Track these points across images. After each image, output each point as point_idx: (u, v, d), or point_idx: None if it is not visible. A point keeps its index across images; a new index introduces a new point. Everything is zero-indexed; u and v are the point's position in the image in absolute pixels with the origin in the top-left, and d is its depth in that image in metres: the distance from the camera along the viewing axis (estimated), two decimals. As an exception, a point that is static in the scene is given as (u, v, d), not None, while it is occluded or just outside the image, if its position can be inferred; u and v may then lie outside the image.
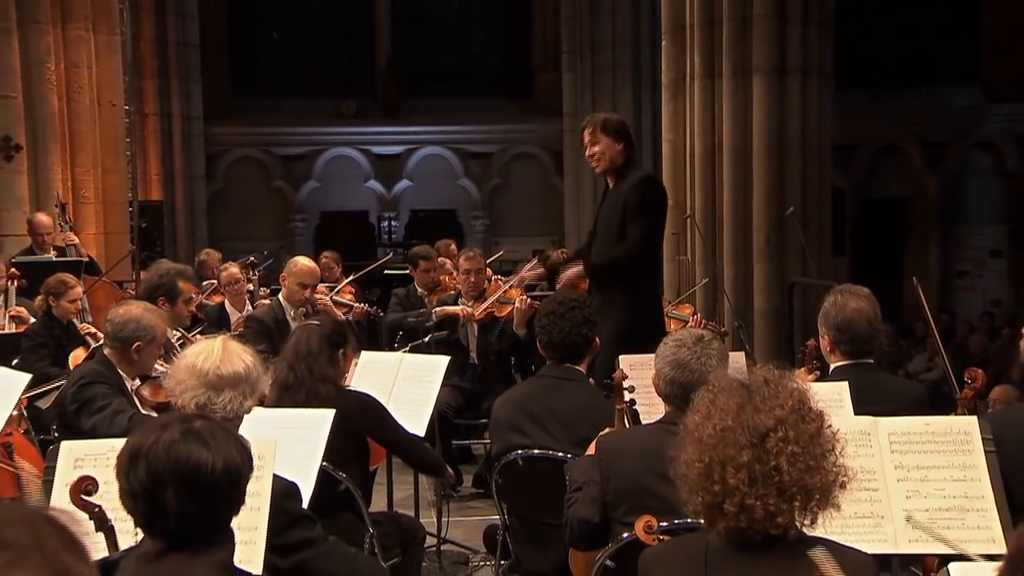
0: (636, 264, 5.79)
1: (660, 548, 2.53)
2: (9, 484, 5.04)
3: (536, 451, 4.03)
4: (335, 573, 3.09)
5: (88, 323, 7.02)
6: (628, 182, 5.80)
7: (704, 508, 2.33)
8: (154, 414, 4.09)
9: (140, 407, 4.27)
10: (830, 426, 2.38)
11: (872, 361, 4.14)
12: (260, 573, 2.71)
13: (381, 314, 8.29)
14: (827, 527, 2.94)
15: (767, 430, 2.28)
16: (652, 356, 3.88)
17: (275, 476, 2.93)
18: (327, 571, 3.07)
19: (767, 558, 2.27)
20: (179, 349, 5.28)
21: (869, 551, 2.82)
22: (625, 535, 3.11)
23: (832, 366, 4.17)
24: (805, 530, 2.37)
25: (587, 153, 5.91)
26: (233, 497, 2.23)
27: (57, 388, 5.29)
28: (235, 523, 2.31)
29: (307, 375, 4.28)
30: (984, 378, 3.87)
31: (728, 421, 2.33)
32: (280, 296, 6.98)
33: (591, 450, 3.66)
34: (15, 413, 4.92)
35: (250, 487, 2.33)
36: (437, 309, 7.46)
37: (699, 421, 2.41)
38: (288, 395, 4.24)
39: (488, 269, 8.33)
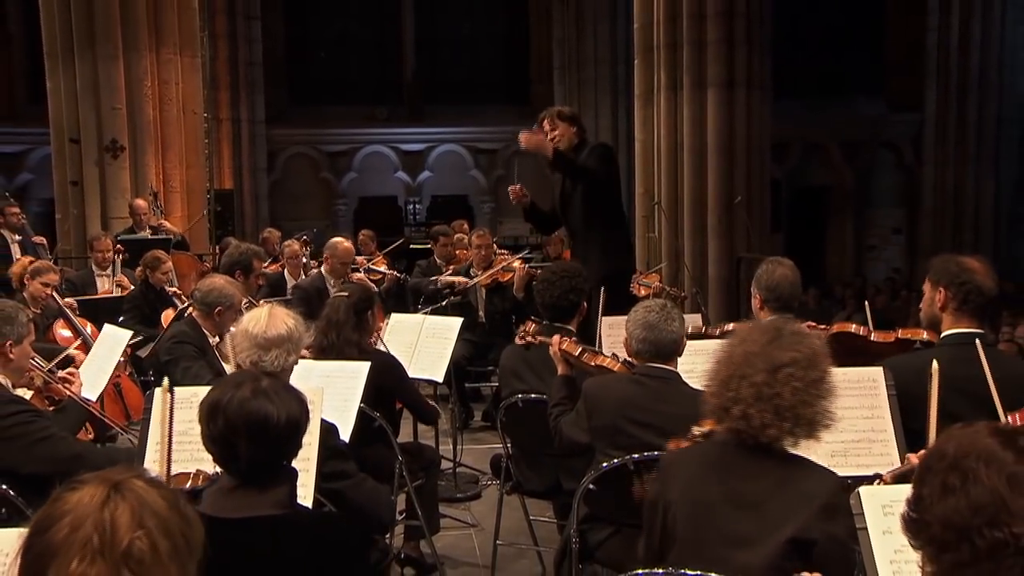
0: (590, 176, 5.65)
1: (680, 452, 2.56)
2: (119, 414, 5.11)
3: (533, 395, 4.02)
4: (362, 504, 3.03)
5: (175, 287, 7.03)
6: (585, 150, 5.75)
7: (716, 407, 2.39)
8: (231, 367, 4.08)
9: (221, 360, 4.24)
10: (831, 381, 2.40)
11: (792, 316, 4.11)
12: (312, 497, 2.71)
13: (407, 279, 8.28)
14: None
15: (782, 364, 2.33)
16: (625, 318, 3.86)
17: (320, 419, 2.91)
18: (356, 502, 3.03)
19: (763, 460, 2.33)
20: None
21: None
22: (604, 464, 3.13)
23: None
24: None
25: (548, 138, 5.72)
26: (293, 443, 2.21)
27: (153, 341, 5.30)
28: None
29: (336, 340, 4.23)
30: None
31: (755, 348, 2.37)
32: (323, 269, 6.96)
33: (562, 369, 3.73)
34: (122, 360, 4.94)
35: None
36: (443, 279, 7.50)
37: (735, 343, 2.45)
38: (323, 356, 4.20)
39: (494, 245, 8.30)
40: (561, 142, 5.70)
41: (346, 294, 4.45)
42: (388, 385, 4.26)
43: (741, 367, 2.36)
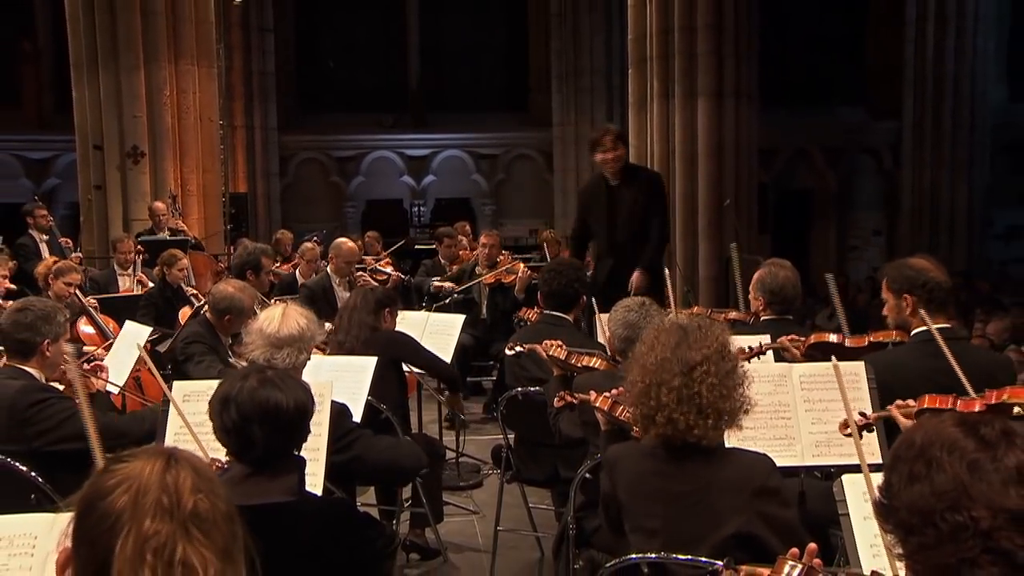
0: (667, 229, 5.94)
1: (622, 447, 2.55)
2: (139, 406, 5.10)
3: (532, 388, 4.02)
4: (381, 459, 3.04)
5: (192, 286, 7.03)
6: (643, 179, 5.74)
7: (641, 417, 2.39)
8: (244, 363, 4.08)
9: (236, 358, 4.25)
10: (743, 366, 2.42)
11: (791, 317, 4.10)
12: (322, 485, 2.71)
13: (411, 279, 8.27)
14: (754, 446, 2.98)
15: (695, 363, 2.32)
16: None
17: (332, 401, 2.95)
18: (374, 460, 3.02)
19: (694, 459, 2.33)
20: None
21: (783, 464, 2.84)
22: (599, 455, 3.12)
23: (762, 318, 4.12)
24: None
25: (607, 157, 5.53)
26: (303, 428, 2.21)
27: (170, 337, 5.30)
28: (304, 446, 2.29)
29: (347, 321, 4.31)
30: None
31: (667, 353, 2.36)
32: (328, 269, 6.95)
33: (556, 372, 3.72)
34: (142, 355, 4.94)
35: (313, 418, 2.31)
36: (435, 284, 7.55)
37: (644, 351, 2.44)
38: (335, 335, 4.32)
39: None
40: (618, 163, 5.61)
41: (371, 288, 4.52)
42: (400, 355, 4.30)
43: (658, 374, 2.35)
